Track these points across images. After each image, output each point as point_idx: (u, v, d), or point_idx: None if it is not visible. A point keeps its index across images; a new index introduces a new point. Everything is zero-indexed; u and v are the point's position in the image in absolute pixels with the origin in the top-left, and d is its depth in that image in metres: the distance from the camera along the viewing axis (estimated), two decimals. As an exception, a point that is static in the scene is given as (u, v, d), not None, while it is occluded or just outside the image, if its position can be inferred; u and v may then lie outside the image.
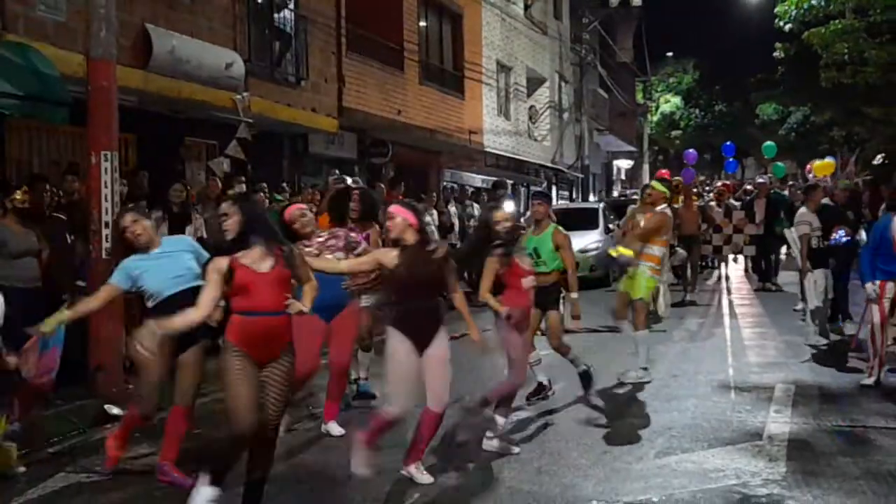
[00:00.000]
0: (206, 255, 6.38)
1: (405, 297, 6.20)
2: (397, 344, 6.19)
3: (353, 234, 7.94)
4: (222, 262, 5.41)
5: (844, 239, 11.41)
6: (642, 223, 10.04)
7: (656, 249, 9.90)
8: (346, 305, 7.74)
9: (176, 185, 11.18)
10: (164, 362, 6.22)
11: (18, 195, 8.91)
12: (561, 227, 8.95)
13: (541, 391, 9.03)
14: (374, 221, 8.62)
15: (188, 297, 5.81)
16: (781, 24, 24.17)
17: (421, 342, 6.19)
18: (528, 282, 7.25)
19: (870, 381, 9.26)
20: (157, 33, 12.59)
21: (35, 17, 10.89)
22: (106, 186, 8.99)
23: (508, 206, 7.68)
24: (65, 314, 6.22)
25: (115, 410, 8.41)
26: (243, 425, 5.27)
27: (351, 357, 8.18)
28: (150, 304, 6.29)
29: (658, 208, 10.16)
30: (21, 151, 11.61)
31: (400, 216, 6.25)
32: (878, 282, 9.18)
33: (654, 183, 10.87)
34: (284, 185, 15.41)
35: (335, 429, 7.78)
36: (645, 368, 9.76)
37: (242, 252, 5.40)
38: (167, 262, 6.29)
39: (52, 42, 10.81)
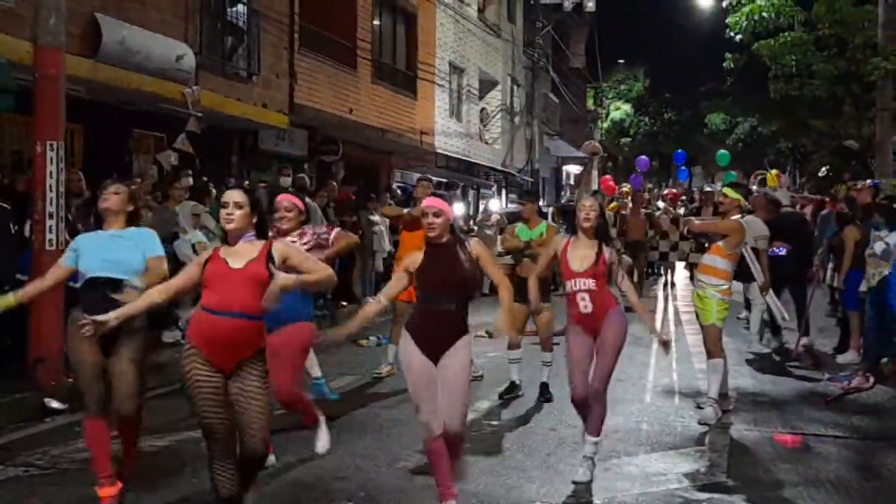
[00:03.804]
0: (160, 252, 5.97)
1: (420, 297, 5.63)
2: (409, 351, 5.59)
3: (321, 230, 7.29)
4: (205, 255, 5.25)
5: (782, 252, 11.66)
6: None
7: (721, 262, 8.43)
8: (294, 320, 6.55)
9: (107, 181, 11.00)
10: (94, 359, 5.72)
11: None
12: (553, 224, 9.10)
13: (513, 389, 9.22)
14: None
15: (107, 286, 5.60)
16: (732, 34, 24.45)
17: (433, 350, 5.51)
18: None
19: None
20: (106, 23, 12.40)
21: (-18, 3, 10.69)
22: (51, 177, 8.86)
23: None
24: (9, 298, 5.87)
25: (55, 404, 8.30)
26: (211, 434, 5.03)
27: (297, 383, 6.80)
28: (78, 285, 5.82)
29: (733, 217, 8.55)
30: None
31: (445, 215, 5.55)
32: None
33: (726, 189, 8.90)
34: (231, 180, 15.26)
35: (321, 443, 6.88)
36: (716, 400, 8.44)
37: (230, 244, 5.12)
38: (110, 244, 5.80)
39: (0, 28, 10.60)
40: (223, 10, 16.17)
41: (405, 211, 10.72)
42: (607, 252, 6.50)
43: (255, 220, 5.20)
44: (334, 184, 16.44)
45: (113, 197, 5.91)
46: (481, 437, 7.78)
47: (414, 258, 5.58)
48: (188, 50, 13.97)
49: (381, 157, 23.80)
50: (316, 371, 9.02)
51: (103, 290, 5.61)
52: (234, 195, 5.22)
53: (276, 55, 17.54)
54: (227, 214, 5.13)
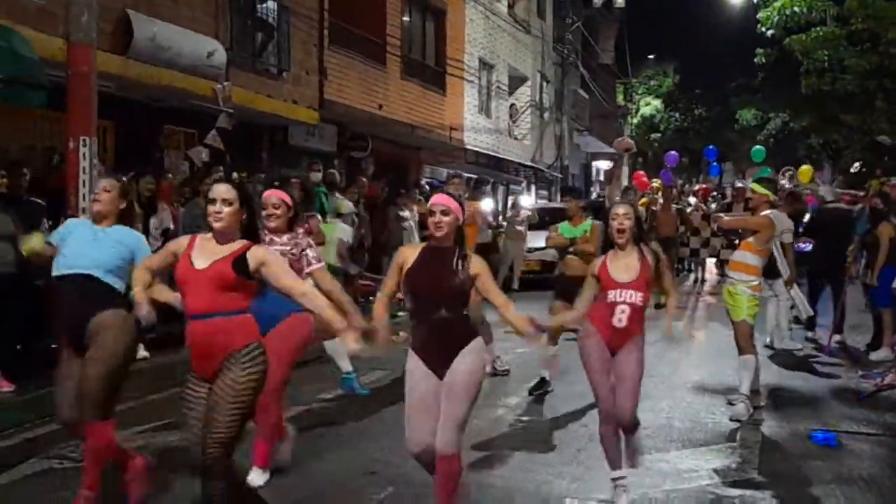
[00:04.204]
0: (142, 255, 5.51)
1: (416, 305, 5.13)
2: (411, 366, 5.15)
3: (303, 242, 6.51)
4: (183, 241, 4.89)
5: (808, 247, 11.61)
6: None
7: (751, 258, 8.42)
8: (285, 316, 6.15)
9: (147, 176, 11.07)
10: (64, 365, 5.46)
11: (-5, 179, 8.85)
12: (597, 222, 8.76)
13: (543, 385, 9.19)
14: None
15: (75, 284, 5.35)
16: (763, 29, 24.27)
17: (437, 364, 5.05)
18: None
19: None
20: (138, 19, 12.48)
21: (16, 0, 10.77)
22: (84, 172, 8.93)
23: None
24: (35, 242, 5.64)
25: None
26: (189, 444, 4.73)
27: (285, 377, 6.28)
28: (53, 273, 5.51)
29: (762, 213, 8.58)
30: (-3, 135, 11.50)
31: (454, 215, 5.13)
32: None
33: (754, 185, 8.98)
34: (261, 175, 15.30)
35: (258, 477, 6.14)
36: (748, 396, 8.43)
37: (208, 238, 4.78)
38: (90, 241, 5.47)
39: (33, 25, 10.69)
40: (253, 6, 16.24)
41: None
42: (648, 255, 6.01)
43: (244, 218, 4.84)
44: (364, 180, 16.47)
45: (104, 196, 5.60)
46: (511, 433, 7.80)
47: (406, 255, 5.16)
48: (219, 46, 14.04)
49: (410, 153, 23.82)
50: (347, 366, 9.03)
51: (79, 286, 5.36)
52: (221, 190, 4.81)
53: (306, 51, 17.60)
54: (216, 212, 4.74)
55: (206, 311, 4.63)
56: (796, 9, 23.38)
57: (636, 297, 5.85)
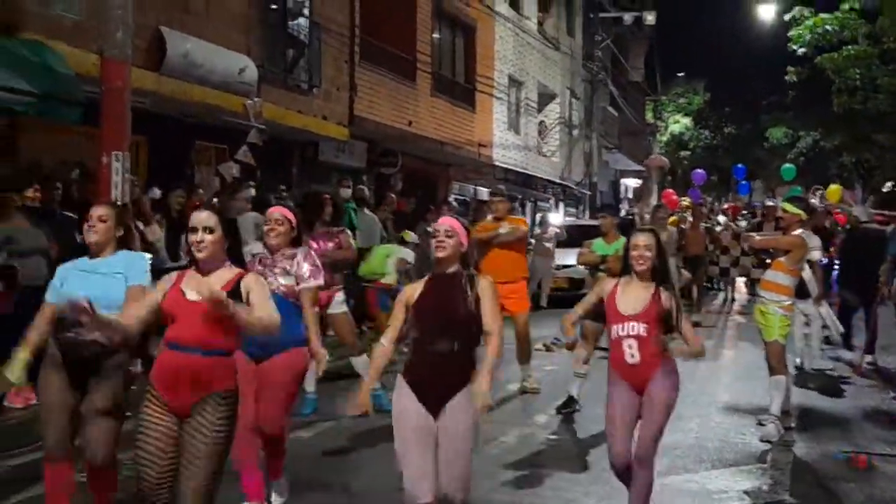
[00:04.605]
0: (141, 281, 5.27)
1: (415, 337, 4.81)
2: (401, 400, 4.77)
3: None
4: (167, 281, 4.58)
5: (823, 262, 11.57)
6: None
7: (783, 277, 8.33)
8: (284, 347, 5.74)
9: (178, 190, 11.15)
10: (62, 395, 5.18)
11: (29, 193, 8.93)
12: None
13: (571, 404, 9.14)
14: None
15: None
16: (795, 47, 24.20)
17: (431, 400, 4.69)
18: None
19: None
20: (171, 36, 12.61)
21: (52, 16, 10.91)
22: (116, 187, 9.01)
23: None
24: (9, 376, 5.29)
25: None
26: (142, 484, 4.45)
27: (284, 423, 5.98)
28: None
29: (794, 232, 8.47)
30: (32, 150, 11.61)
31: (458, 238, 4.82)
32: None
33: (786, 204, 8.80)
34: (284, 190, 15.29)
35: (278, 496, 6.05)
36: (779, 417, 8.30)
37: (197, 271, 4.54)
38: (94, 278, 5.18)
39: (68, 41, 10.82)
40: (285, 23, 16.34)
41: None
42: (665, 295, 5.44)
43: (227, 246, 4.60)
44: (393, 196, 16.51)
45: (100, 226, 5.25)
46: (540, 451, 7.78)
47: (410, 292, 4.86)
48: (250, 63, 14.15)
49: (440, 170, 23.87)
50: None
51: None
52: (201, 218, 4.55)
53: (337, 68, 17.69)
54: (197, 242, 4.51)
55: (194, 346, 4.40)
56: (828, 27, 23.32)
57: (640, 328, 5.39)
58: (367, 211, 14.42)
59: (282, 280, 5.96)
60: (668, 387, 5.45)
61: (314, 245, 7.80)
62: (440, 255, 4.76)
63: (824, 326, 11.26)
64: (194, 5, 13.58)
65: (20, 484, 6.45)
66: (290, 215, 6.22)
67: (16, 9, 10.40)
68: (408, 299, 4.82)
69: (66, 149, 11.92)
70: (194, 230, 4.52)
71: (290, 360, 5.82)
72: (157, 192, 11.44)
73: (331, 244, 8.62)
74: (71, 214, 9.49)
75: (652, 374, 5.41)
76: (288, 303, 5.80)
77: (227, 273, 4.57)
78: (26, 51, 9.84)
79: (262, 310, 4.49)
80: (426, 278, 4.87)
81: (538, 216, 27.86)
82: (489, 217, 10.48)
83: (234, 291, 4.47)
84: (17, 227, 8.42)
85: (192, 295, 4.39)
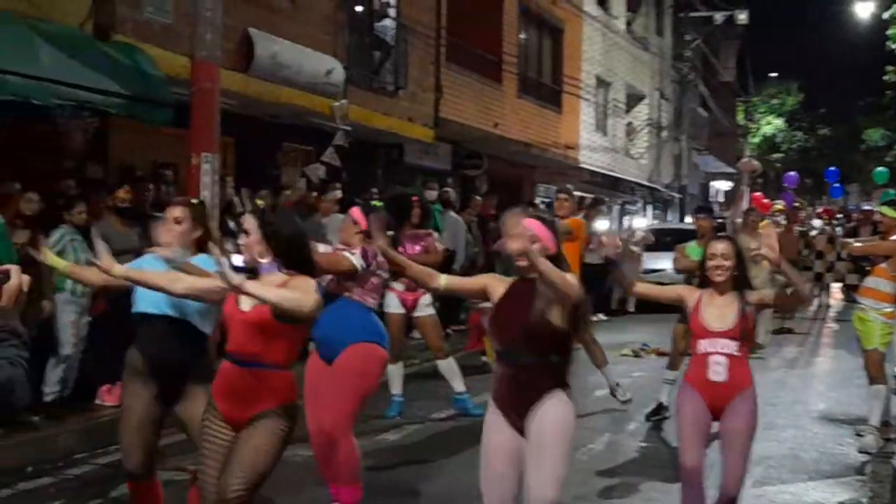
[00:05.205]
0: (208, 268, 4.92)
1: (499, 347, 4.51)
2: (488, 417, 4.50)
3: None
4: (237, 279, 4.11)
5: None
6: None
7: (885, 284, 7.96)
8: (352, 341, 5.53)
9: (265, 190, 11.17)
10: (146, 409, 4.95)
11: (121, 194, 9.05)
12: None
13: (660, 411, 8.92)
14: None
15: (154, 327, 4.84)
16: (893, 46, 23.50)
17: (514, 418, 4.37)
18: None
19: None
20: (259, 38, 12.70)
21: (142, 19, 11.07)
22: (205, 189, 9.07)
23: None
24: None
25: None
26: (202, 488, 4.35)
27: (347, 425, 5.55)
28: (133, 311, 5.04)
29: (893, 237, 8.04)
30: (122, 151, 11.80)
31: (541, 243, 4.42)
32: None
33: (884, 208, 8.39)
34: (374, 191, 15.35)
35: None
36: (878, 428, 7.97)
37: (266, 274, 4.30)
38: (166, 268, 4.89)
39: (158, 44, 10.96)
40: (371, 24, 16.38)
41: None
42: (748, 309, 5.10)
43: (271, 246, 4.29)
44: (478, 198, 16.43)
45: (174, 227, 4.94)
46: (630, 459, 7.64)
47: (496, 285, 4.54)
48: (337, 64, 14.19)
49: (524, 171, 23.73)
50: (459, 386, 8.96)
51: (158, 328, 4.85)
52: (248, 222, 4.36)
53: (423, 69, 17.67)
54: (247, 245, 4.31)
55: (245, 359, 4.21)
56: (929, 24, 22.58)
57: (731, 347, 5.02)
58: (451, 213, 14.35)
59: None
60: (751, 418, 5.09)
61: (400, 249, 7.68)
62: (521, 263, 4.37)
63: None
64: (282, 7, 13.66)
65: (111, 483, 6.52)
66: (361, 218, 5.81)
67: (108, 13, 10.56)
68: (488, 285, 4.55)
69: (156, 150, 12.09)
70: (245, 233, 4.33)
71: (356, 354, 5.49)
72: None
73: (418, 247, 8.56)
74: (162, 215, 9.60)
75: (734, 395, 5.04)
76: (357, 304, 5.66)
77: (275, 279, 4.27)
78: (118, 54, 9.98)
79: (294, 291, 4.15)
80: (511, 280, 4.51)
81: (625, 219, 27.57)
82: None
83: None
84: (110, 228, 8.53)
85: (244, 304, 4.20)
